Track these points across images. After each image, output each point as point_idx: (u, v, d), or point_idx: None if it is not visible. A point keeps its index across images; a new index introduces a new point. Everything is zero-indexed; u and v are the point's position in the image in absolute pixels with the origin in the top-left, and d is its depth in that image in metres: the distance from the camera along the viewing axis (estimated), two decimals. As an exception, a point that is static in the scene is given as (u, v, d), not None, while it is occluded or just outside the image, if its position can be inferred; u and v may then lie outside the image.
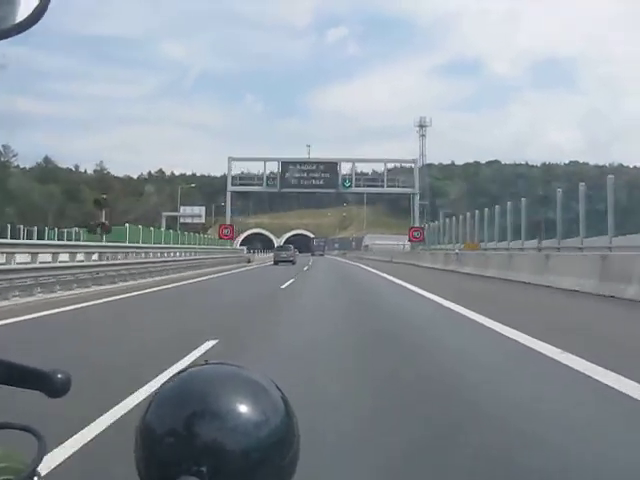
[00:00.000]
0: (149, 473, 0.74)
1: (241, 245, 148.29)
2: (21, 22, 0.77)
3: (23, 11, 0.76)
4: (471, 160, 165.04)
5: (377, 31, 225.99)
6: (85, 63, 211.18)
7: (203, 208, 64.26)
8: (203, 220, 63.29)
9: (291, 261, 47.13)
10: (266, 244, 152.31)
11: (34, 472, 0.80)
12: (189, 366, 0.84)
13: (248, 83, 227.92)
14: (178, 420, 0.74)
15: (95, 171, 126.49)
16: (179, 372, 0.82)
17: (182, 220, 64.15)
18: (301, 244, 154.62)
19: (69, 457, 3.21)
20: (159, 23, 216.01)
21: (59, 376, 0.86)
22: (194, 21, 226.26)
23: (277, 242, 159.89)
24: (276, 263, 46.76)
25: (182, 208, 64.28)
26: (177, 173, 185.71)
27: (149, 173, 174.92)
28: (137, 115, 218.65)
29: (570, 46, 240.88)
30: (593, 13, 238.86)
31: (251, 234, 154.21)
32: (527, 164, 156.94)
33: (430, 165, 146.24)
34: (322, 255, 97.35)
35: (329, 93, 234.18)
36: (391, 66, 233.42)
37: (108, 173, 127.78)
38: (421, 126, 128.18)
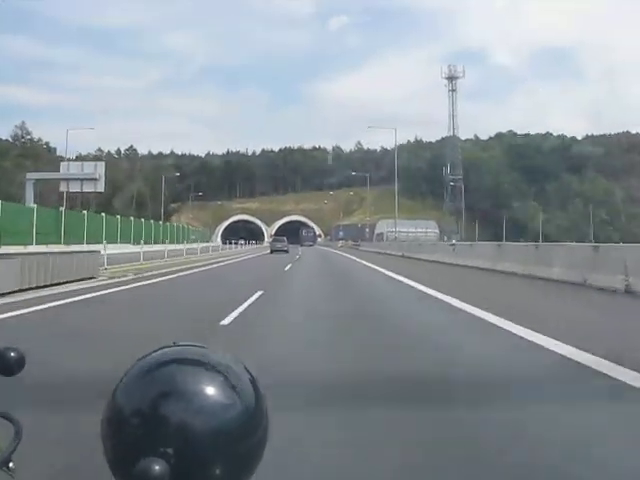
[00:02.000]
0: (115, 454, 0.74)
1: (223, 235, 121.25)
2: None
3: None
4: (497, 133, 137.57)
5: (380, 20, 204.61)
6: (85, 53, 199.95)
7: (102, 165, 35.81)
8: (102, 187, 34.82)
9: (285, 250, 50.12)
10: (254, 234, 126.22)
11: (9, 458, 0.79)
12: (157, 348, 0.82)
13: (251, 73, 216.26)
14: (144, 401, 0.73)
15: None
16: (147, 354, 0.80)
17: (66, 188, 36.59)
18: (295, 234, 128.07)
19: None
20: (160, 14, 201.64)
21: (12, 354, 0.85)
22: (196, 12, 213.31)
23: (267, 231, 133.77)
24: (272, 252, 49.61)
25: (65, 165, 36.77)
26: (155, 152, 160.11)
27: (117, 150, 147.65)
28: (136, 106, 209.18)
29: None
30: None
31: (236, 222, 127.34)
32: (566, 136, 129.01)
33: (451, 138, 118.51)
34: (311, 246, 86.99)
35: (332, 82, 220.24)
36: (395, 55, 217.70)
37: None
38: (450, 78, 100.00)
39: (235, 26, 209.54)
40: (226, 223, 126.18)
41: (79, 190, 36.29)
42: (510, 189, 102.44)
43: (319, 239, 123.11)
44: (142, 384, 0.76)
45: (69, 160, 45.55)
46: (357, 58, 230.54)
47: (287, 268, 21.73)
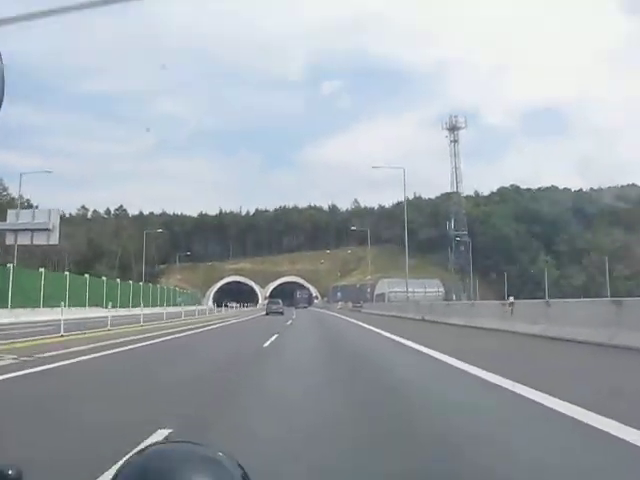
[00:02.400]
0: None
1: (215, 298, 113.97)
2: None
3: None
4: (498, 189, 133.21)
5: (369, 83, 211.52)
6: (82, 119, 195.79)
7: (57, 213, 29.28)
8: (56, 239, 28.39)
9: (281, 312, 51.06)
10: (247, 296, 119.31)
11: None
12: (150, 445, 0.81)
13: (243, 138, 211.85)
14: None
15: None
16: (140, 450, 0.79)
17: (12, 241, 30.77)
18: (290, 295, 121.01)
19: None
20: (156, 82, 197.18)
21: (10, 472, 0.84)
22: (190, 80, 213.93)
23: (261, 293, 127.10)
24: (267, 314, 50.49)
25: (12, 214, 31.02)
26: (146, 212, 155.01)
27: (107, 210, 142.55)
28: (127, 169, 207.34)
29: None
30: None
31: (228, 283, 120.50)
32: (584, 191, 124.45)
33: (453, 194, 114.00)
34: (306, 308, 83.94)
35: (323, 145, 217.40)
36: (384, 117, 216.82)
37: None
38: (452, 129, 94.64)
39: (227, 91, 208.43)
40: (218, 285, 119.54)
41: (29, 242, 29.99)
42: (518, 244, 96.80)
43: (316, 301, 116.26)
44: None
45: (22, 208, 39.39)
46: (348, 120, 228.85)
47: (267, 344, 14.66)
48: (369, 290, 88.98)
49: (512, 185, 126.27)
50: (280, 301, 58.76)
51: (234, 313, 58.32)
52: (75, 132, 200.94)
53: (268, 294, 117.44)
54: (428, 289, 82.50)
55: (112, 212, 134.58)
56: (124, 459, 0.79)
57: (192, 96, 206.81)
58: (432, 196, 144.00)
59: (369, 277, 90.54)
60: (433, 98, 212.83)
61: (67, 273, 42.61)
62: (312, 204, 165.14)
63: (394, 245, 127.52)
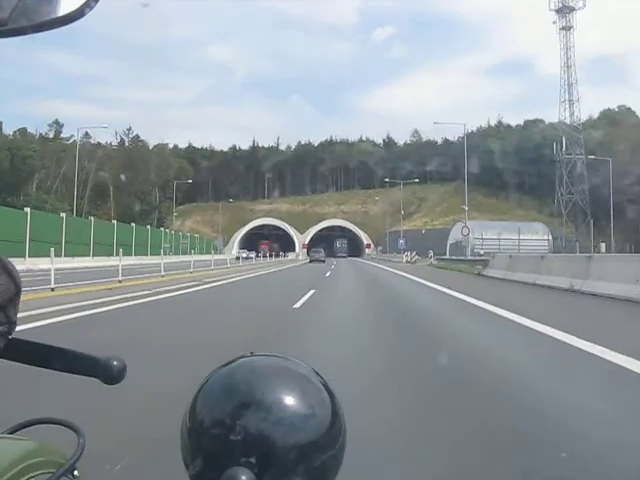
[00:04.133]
0: (197, 464, 0.74)
1: (242, 247, 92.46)
2: (64, 16, 0.74)
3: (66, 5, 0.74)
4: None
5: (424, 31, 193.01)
6: (127, 68, 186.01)
7: None
8: None
9: (323, 260, 55.78)
10: (282, 242, 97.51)
11: (73, 467, 0.81)
12: (233, 359, 0.82)
13: (294, 85, 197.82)
14: (225, 411, 0.74)
15: None
16: (225, 363, 0.81)
17: None
18: (332, 243, 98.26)
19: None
20: (206, 28, 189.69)
21: (115, 363, 0.88)
22: (240, 25, 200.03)
23: (298, 240, 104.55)
24: (311, 262, 55.75)
25: None
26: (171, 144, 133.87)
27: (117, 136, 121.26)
28: (182, 120, 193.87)
29: None
30: None
31: (260, 227, 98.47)
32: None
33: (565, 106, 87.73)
34: (345, 257, 76.85)
35: (375, 94, 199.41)
36: (439, 66, 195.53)
37: None
38: (562, 10, 67.43)
39: (280, 38, 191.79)
40: (245, 229, 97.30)
41: None
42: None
43: (367, 250, 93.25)
44: (221, 394, 0.76)
45: None
46: (402, 68, 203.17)
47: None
48: (433, 238, 65.31)
49: (622, 106, 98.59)
50: (322, 250, 62.70)
51: (251, 267, 36.76)
52: (126, 80, 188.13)
53: (307, 241, 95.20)
54: (527, 236, 58.15)
55: (126, 140, 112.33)
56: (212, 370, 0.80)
57: (243, 43, 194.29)
58: (520, 121, 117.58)
59: (432, 224, 66.63)
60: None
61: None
62: (364, 137, 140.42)
63: (464, 183, 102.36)
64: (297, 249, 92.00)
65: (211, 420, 0.74)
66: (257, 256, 61.30)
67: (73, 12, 0.73)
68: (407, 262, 45.94)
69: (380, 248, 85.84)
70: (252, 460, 0.70)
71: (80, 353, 0.88)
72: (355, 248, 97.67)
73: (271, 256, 64.88)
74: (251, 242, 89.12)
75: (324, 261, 54.53)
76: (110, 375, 0.87)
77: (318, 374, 0.81)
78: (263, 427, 0.72)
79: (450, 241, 65.17)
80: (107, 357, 0.88)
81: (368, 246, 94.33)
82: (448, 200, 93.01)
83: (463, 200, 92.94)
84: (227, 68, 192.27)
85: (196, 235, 78.45)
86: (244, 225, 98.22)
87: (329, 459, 0.75)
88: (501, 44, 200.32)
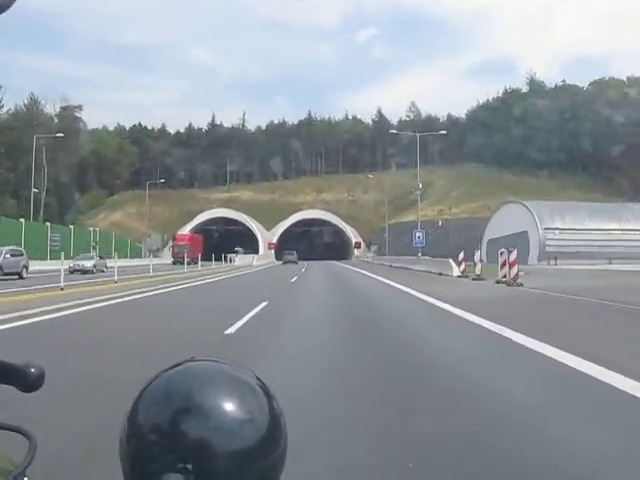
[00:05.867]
0: (134, 470, 0.73)
1: (177, 248, 60.27)
2: None
3: None
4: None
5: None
6: (114, 70, 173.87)
7: None
8: None
9: (295, 262, 50.40)
10: (241, 241, 73.37)
11: (23, 473, 0.78)
12: (175, 363, 0.81)
13: (276, 86, 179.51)
14: (163, 417, 0.72)
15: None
16: (166, 369, 0.80)
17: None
18: (307, 240, 74.83)
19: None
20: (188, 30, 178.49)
21: (32, 370, 0.84)
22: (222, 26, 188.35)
23: (263, 239, 79.32)
24: (284, 263, 49.93)
25: None
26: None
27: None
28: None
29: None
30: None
31: (212, 221, 74.21)
32: None
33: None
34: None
35: (358, 95, 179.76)
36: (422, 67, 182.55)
37: None
38: None
39: (262, 41, 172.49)
40: (191, 225, 72.60)
41: None
42: None
43: (356, 251, 69.30)
44: (160, 400, 0.75)
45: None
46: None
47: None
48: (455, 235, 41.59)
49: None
50: (295, 252, 56.43)
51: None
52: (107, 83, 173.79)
53: (276, 239, 71.28)
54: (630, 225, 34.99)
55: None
56: (153, 376, 0.78)
57: (226, 47, 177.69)
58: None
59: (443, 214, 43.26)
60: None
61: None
62: (349, 116, 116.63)
63: (481, 164, 79.28)
64: (261, 249, 67.94)
65: (148, 425, 0.73)
66: (174, 262, 37.40)
67: None
68: (462, 276, 21.04)
69: (375, 248, 61.56)
70: (188, 466, 0.68)
71: None
72: (339, 248, 74.06)
73: (194, 263, 38.68)
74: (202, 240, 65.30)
75: (296, 262, 49.79)
76: (27, 383, 0.83)
77: (260, 380, 0.80)
78: (200, 433, 0.70)
79: (490, 234, 41.64)
80: (25, 363, 0.84)
81: (357, 245, 70.17)
82: (464, 183, 69.52)
83: (485, 182, 69.58)
84: (211, 69, 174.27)
85: (114, 233, 54.42)
86: (193, 219, 73.84)
87: (268, 466, 0.74)
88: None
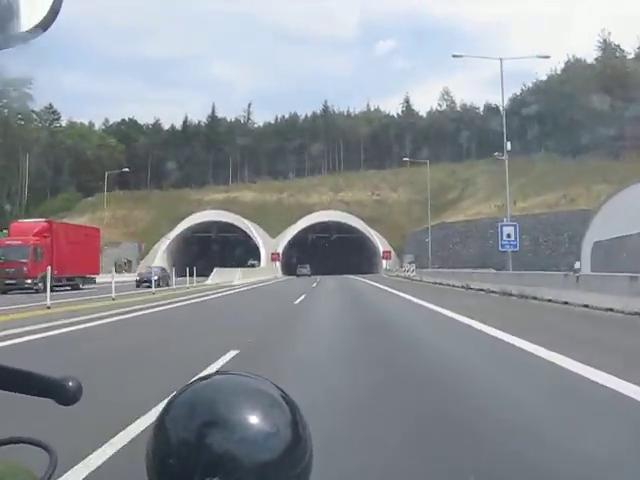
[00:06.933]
0: None
1: (172, 255, 45.78)
2: (31, 28, 0.70)
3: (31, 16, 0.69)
4: None
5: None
6: (132, 84, 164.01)
7: None
8: None
9: (309, 275, 49.25)
10: (239, 251, 58.34)
11: None
12: (200, 377, 0.82)
13: (297, 99, 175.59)
14: (189, 430, 0.73)
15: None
16: (190, 382, 0.80)
17: None
18: (319, 249, 60.12)
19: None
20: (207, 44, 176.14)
21: (70, 384, 0.84)
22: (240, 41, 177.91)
23: (266, 249, 63.74)
24: (298, 276, 48.57)
25: None
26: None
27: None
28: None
29: None
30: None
31: (202, 225, 60.19)
32: None
33: None
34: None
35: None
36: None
37: None
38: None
39: (281, 54, 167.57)
40: (177, 231, 58.14)
41: None
42: None
43: (384, 262, 54.54)
44: (186, 413, 0.76)
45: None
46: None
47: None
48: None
49: None
50: (308, 266, 52.95)
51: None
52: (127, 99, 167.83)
53: (282, 248, 56.79)
54: None
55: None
56: (175, 392, 0.79)
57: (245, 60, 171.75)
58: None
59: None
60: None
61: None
62: (370, 107, 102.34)
63: (526, 154, 64.49)
64: (264, 261, 53.58)
65: (175, 439, 0.74)
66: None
67: (39, 23, 0.69)
68: None
69: (411, 258, 46.50)
70: (215, 479, 0.69)
71: (33, 373, 0.83)
72: (362, 259, 59.59)
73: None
74: (189, 252, 51.35)
75: (310, 275, 47.97)
76: (65, 396, 0.84)
77: (286, 394, 0.80)
78: (227, 446, 0.71)
79: (598, 235, 26.96)
80: (62, 377, 0.84)
81: (386, 255, 55.27)
82: (524, 174, 54.43)
83: (529, 176, 54.52)
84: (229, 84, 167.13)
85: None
86: (180, 223, 59.62)
87: (294, 476, 0.74)
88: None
